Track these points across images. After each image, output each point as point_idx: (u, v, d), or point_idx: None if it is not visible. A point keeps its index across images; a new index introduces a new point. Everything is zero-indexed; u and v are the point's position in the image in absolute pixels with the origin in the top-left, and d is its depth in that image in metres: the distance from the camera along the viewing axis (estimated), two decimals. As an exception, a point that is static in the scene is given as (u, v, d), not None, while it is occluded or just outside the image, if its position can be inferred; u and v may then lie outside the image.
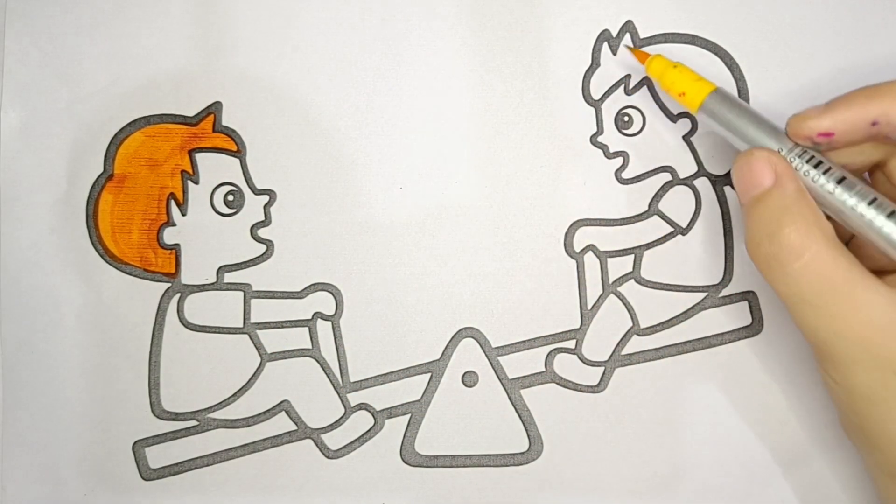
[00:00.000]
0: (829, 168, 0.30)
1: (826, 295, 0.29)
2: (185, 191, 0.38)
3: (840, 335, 0.29)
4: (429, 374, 0.38)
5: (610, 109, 0.38)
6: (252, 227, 0.38)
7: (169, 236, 0.38)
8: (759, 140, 0.32)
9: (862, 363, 0.29)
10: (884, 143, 0.31)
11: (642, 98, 0.38)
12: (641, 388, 0.37)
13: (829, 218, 0.31)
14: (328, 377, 0.38)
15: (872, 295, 0.28)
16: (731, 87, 0.38)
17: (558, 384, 0.38)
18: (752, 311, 0.37)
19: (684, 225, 0.38)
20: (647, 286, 0.38)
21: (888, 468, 0.30)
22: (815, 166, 0.30)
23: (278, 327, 0.38)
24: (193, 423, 0.37)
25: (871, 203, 0.29)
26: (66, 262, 0.38)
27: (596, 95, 0.38)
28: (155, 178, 0.38)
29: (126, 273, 0.38)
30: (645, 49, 0.38)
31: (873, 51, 0.37)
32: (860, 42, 0.38)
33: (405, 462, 0.37)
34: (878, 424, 0.30)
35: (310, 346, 0.38)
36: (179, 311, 0.38)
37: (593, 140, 0.38)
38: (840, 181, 0.30)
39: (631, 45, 0.38)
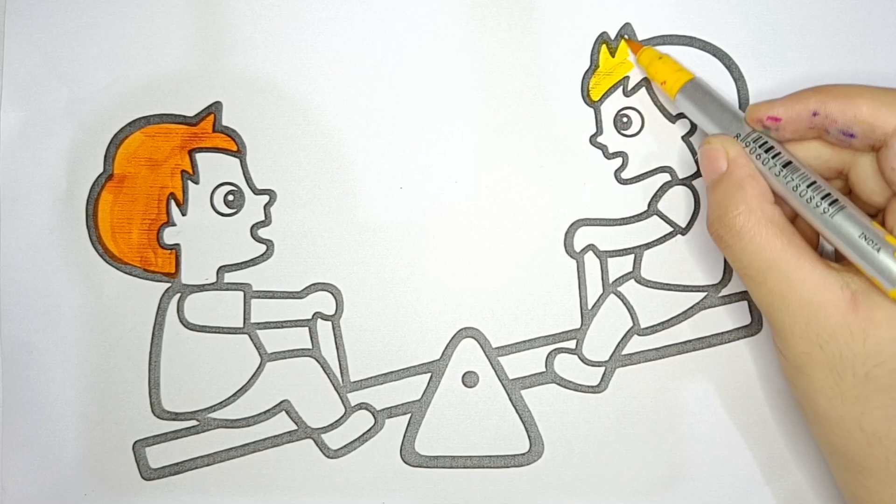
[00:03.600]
0: (779, 153, 0.32)
1: (764, 272, 0.31)
2: (185, 191, 0.38)
3: (778, 308, 0.31)
4: (429, 374, 0.38)
5: (609, 110, 0.38)
6: (252, 227, 0.38)
7: (169, 236, 0.38)
8: (724, 126, 0.34)
9: (795, 335, 0.31)
10: (830, 144, 0.33)
11: (641, 99, 0.38)
12: (642, 388, 0.37)
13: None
14: (328, 377, 0.38)
15: (806, 274, 0.30)
16: (730, 88, 0.38)
17: (559, 384, 0.38)
18: (751, 311, 0.37)
19: (684, 225, 0.38)
20: (647, 286, 0.38)
21: (821, 440, 0.32)
22: (766, 151, 0.32)
23: (278, 327, 0.38)
24: (193, 422, 0.37)
25: (809, 186, 0.31)
26: (65, 262, 0.38)
27: (595, 97, 0.38)
28: (155, 178, 0.38)
29: (126, 273, 0.38)
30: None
31: (873, 51, 0.38)
32: (859, 42, 0.38)
33: (405, 462, 0.37)
34: (806, 395, 0.32)
35: (310, 346, 0.38)
36: (179, 311, 0.37)
37: (593, 141, 0.38)
38: (786, 165, 0.32)
39: (623, 49, 0.38)
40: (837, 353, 0.30)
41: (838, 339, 0.30)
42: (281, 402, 0.37)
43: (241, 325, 0.38)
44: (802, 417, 0.34)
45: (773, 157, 0.32)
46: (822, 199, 0.31)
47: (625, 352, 0.38)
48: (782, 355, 0.32)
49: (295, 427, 0.37)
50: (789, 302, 0.31)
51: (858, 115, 0.30)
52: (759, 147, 0.33)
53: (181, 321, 0.37)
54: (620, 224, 0.38)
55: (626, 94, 0.38)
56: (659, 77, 0.37)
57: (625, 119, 0.38)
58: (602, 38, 0.38)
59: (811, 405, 0.32)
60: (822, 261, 0.31)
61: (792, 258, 0.31)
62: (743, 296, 0.37)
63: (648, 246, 0.38)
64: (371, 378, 0.38)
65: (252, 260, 0.38)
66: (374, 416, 0.37)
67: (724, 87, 0.38)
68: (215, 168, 0.38)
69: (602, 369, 0.38)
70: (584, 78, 0.38)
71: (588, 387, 0.38)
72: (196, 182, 0.38)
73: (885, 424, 0.30)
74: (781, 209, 0.32)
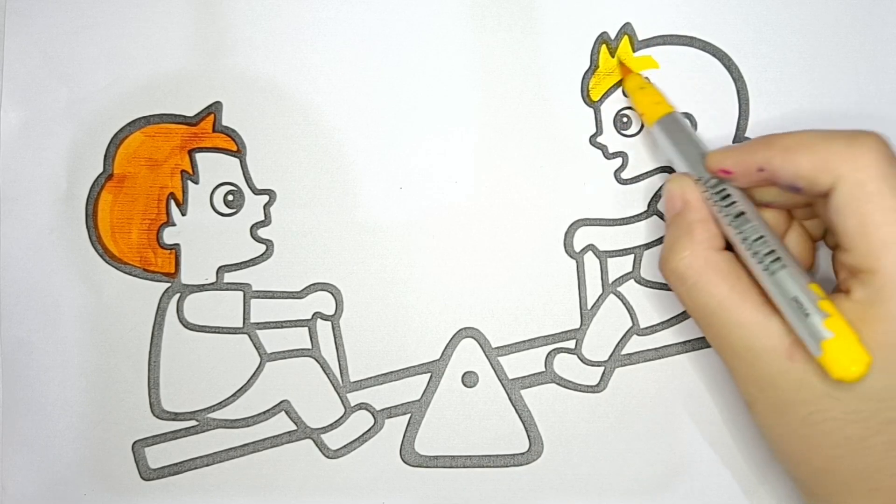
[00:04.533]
0: (734, 202, 0.32)
1: (708, 317, 0.32)
2: (184, 191, 0.38)
3: (722, 351, 0.32)
4: (429, 374, 0.38)
5: (609, 110, 0.38)
6: (252, 227, 0.38)
7: (169, 236, 0.38)
8: (691, 164, 0.34)
9: (740, 378, 0.32)
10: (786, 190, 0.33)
11: (641, 99, 0.38)
12: (641, 388, 0.37)
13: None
14: (328, 377, 0.38)
15: (746, 320, 0.31)
16: (730, 88, 0.38)
17: (558, 384, 0.38)
18: (751, 311, 0.37)
19: (684, 225, 0.38)
20: (646, 286, 0.38)
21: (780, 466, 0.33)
22: (723, 199, 0.33)
23: (278, 327, 0.38)
24: (193, 423, 0.37)
25: (756, 239, 0.31)
26: (65, 262, 0.38)
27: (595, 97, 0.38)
28: (155, 178, 0.38)
29: (126, 273, 0.38)
30: (646, 52, 0.38)
31: (872, 51, 0.38)
32: (859, 43, 0.38)
33: (405, 462, 0.37)
34: (759, 429, 0.33)
35: (310, 346, 0.38)
36: (179, 311, 0.38)
37: (592, 141, 0.38)
38: (738, 215, 0.32)
39: (622, 55, 0.38)
40: (778, 398, 0.31)
41: (777, 386, 0.31)
42: (281, 402, 0.37)
43: (241, 325, 0.38)
44: None
45: (728, 206, 0.32)
46: (766, 255, 0.31)
47: (624, 352, 0.38)
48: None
49: (295, 427, 0.37)
50: (732, 346, 0.31)
51: (799, 171, 0.30)
52: (716, 194, 0.33)
53: (181, 321, 0.37)
54: (620, 224, 0.38)
55: (626, 94, 0.38)
56: (639, 107, 0.37)
57: (625, 119, 0.38)
58: (602, 38, 0.38)
59: (764, 438, 0.33)
60: (765, 307, 0.31)
61: (734, 304, 0.31)
62: (743, 296, 0.37)
63: (648, 246, 0.38)
64: (371, 378, 0.38)
65: (252, 260, 0.38)
66: (373, 416, 0.37)
67: (725, 87, 0.38)
68: (215, 168, 0.38)
69: (601, 369, 0.38)
70: (584, 78, 0.38)
71: (587, 386, 0.38)
72: (196, 182, 0.38)
73: (829, 462, 0.30)
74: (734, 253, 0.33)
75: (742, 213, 0.32)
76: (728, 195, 0.33)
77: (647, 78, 0.37)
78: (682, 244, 0.33)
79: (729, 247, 0.33)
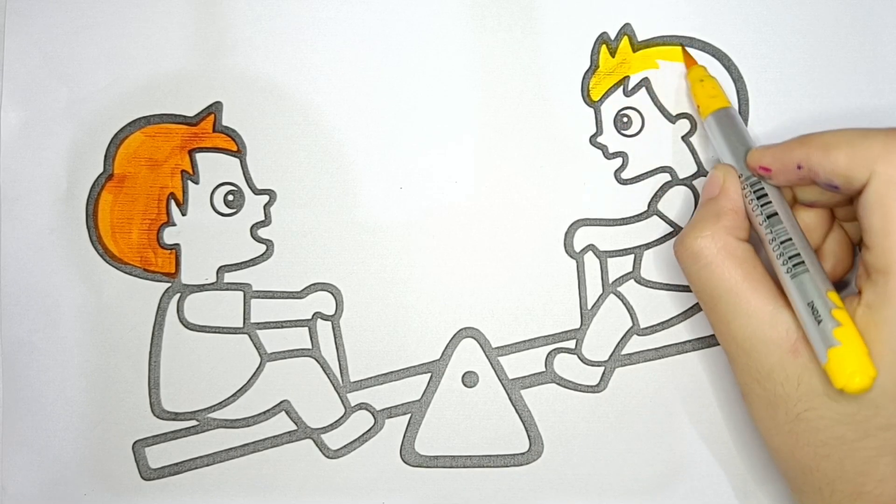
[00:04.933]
0: (768, 202, 0.33)
1: (715, 299, 0.32)
2: (185, 191, 0.38)
3: (723, 337, 0.32)
4: (429, 374, 0.38)
5: (609, 110, 0.38)
6: (252, 227, 0.38)
7: (169, 236, 0.38)
8: (736, 160, 0.34)
9: (737, 366, 0.32)
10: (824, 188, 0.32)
11: (641, 99, 0.38)
12: (641, 388, 0.37)
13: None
14: (328, 377, 0.38)
15: (755, 309, 0.31)
16: (730, 89, 0.38)
17: (558, 384, 0.38)
18: (751, 311, 0.37)
19: (684, 225, 0.38)
20: (647, 286, 0.38)
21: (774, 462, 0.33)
22: (759, 198, 0.33)
23: (278, 327, 0.38)
24: (193, 422, 0.37)
25: (783, 242, 0.32)
26: (65, 262, 0.38)
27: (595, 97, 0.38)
28: (155, 178, 0.38)
29: (126, 273, 0.38)
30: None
31: (872, 52, 0.38)
32: (859, 43, 0.38)
33: (405, 462, 0.37)
34: (752, 420, 0.33)
35: (310, 346, 0.38)
36: (179, 310, 0.38)
37: (593, 141, 0.38)
38: (770, 216, 0.32)
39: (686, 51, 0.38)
40: (772, 391, 0.31)
41: (774, 379, 0.31)
42: (281, 402, 0.37)
43: (241, 325, 0.38)
44: None
45: (762, 206, 0.33)
46: (790, 257, 0.31)
47: (624, 352, 0.38)
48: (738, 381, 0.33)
49: (295, 427, 0.37)
50: (734, 334, 0.32)
51: (836, 168, 0.30)
52: (754, 192, 0.33)
53: (181, 321, 0.38)
54: (620, 224, 0.38)
55: (627, 94, 0.38)
56: (697, 98, 0.37)
57: (625, 119, 0.38)
58: (602, 38, 0.38)
59: (756, 430, 0.33)
60: (777, 300, 0.31)
61: (744, 291, 0.31)
62: (743, 296, 0.37)
63: (648, 246, 0.38)
64: (371, 378, 0.38)
65: (252, 260, 0.38)
66: (373, 416, 0.37)
67: (724, 87, 0.38)
68: (215, 168, 0.38)
69: (601, 369, 0.38)
70: (584, 78, 0.38)
71: (587, 386, 0.38)
72: (196, 182, 0.38)
73: (816, 460, 0.30)
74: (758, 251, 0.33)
75: (775, 214, 0.32)
76: (764, 194, 0.33)
77: (708, 71, 0.37)
78: (705, 225, 0.33)
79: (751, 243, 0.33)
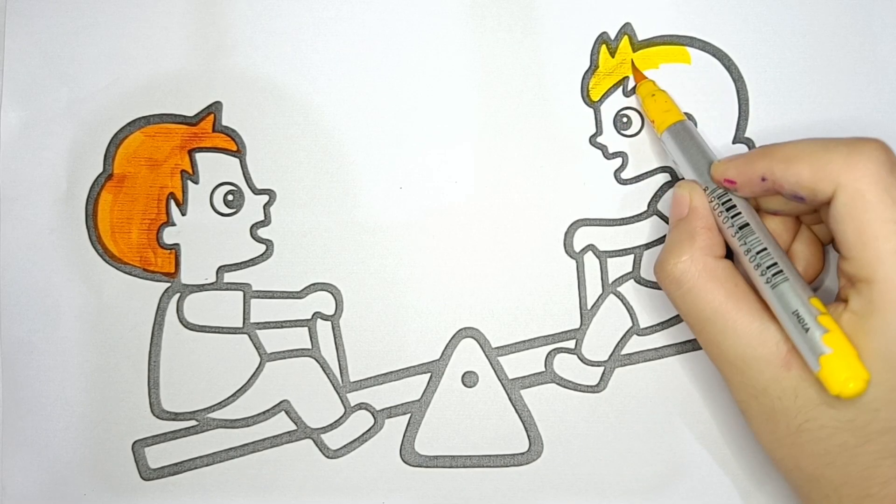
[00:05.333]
0: (738, 213, 0.32)
1: (702, 322, 0.32)
2: (184, 191, 0.38)
3: (715, 358, 0.32)
4: (429, 374, 0.38)
5: (609, 110, 0.38)
6: (252, 227, 0.38)
7: (169, 236, 0.38)
8: (699, 173, 0.34)
9: (733, 385, 0.32)
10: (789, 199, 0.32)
11: (641, 99, 0.38)
12: (641, 388, 0.37)
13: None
14: (328, 377, 0.38)
15: (742, 328, 0.31)
16: (730, 89, 0.38)
17: (558, 384, 0.38)
18: (751, 311, 0.37)
19: (684, 225, 0.38)
20: (646, 286, 0.38)
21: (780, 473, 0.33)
22: (728, 209, 0.33)
23: (278, 327, 0.38)
24: (193, 423, 0.37)
25: (759, 252, 0.31)
26: (65, 262, 0.38)
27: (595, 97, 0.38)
28: (155, 178, 0.38)
29: (126, 273, 0.38)
30: (645, 50, 0.38)
31: (872, 52, 0.38)
32: (859, 43, 0.38)
33: (405, 462, 0.37)
34: (754, 435, 0.33)
35: (310, 346, 0.38)
36: (179, 310, 0.38)
37: (592, 141, 0.38)
38: (742, 227, 0.32)
39: (634, 60, 0.38)
40: (770, 406, 0.31)
41: (770, 394, 0.31)
42: (280, 402, 0.37)
43: (241, 325, 0.38)
44: None
45: (732, 217, 0.32)
46: (768, 268, 0.31)
47: (624, 352, 0.38)
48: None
49: (294, 427, 0.37)
50: (725, 354, 0.32)
51: (800, 180, 0.30)
52: (722, 204, 0.33)
53: (181, 321, 0.38)
54: (620, 224, 0.38)
55: (626, 94, 0.38)
56: (650, 114, 0.37)
57: (625, 119, 0.38)
58: (602, 39, 0.38)
59: (758, 443, 0.33)
60: (762, 315, 0.31)
61: (729, 311, 0.31)
62: (742, 296, 0.37)
63: (648, 246, 0.38)
64: (371, 378, 0.38)
65: (252, 260, 0.38)
66: (373, 416, 0.37)
67: (724, 87, 0.38)
68: (215, 168, 0.38)
69: (601, 369, 0.38)
70: (584, 78, 0.38)
71: (587, 386, 0.38)
72: (196, 182, 0.38)
73: (820, 469, 0.30)
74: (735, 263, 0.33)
75: (746, 225, 0.32)
76: (733, 206, 0.33)
77: (657, 85, 0.37)
78: (681, 248, 0.33)
79: (729, 257, 0.33)
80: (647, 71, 0.38)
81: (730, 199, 0.33)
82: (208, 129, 0.38)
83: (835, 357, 0.29)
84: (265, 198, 0.38)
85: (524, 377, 0.38)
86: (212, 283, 0.38)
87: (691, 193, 0.34)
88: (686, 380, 0.37)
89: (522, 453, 0.37)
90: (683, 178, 0.35)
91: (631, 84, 0.38)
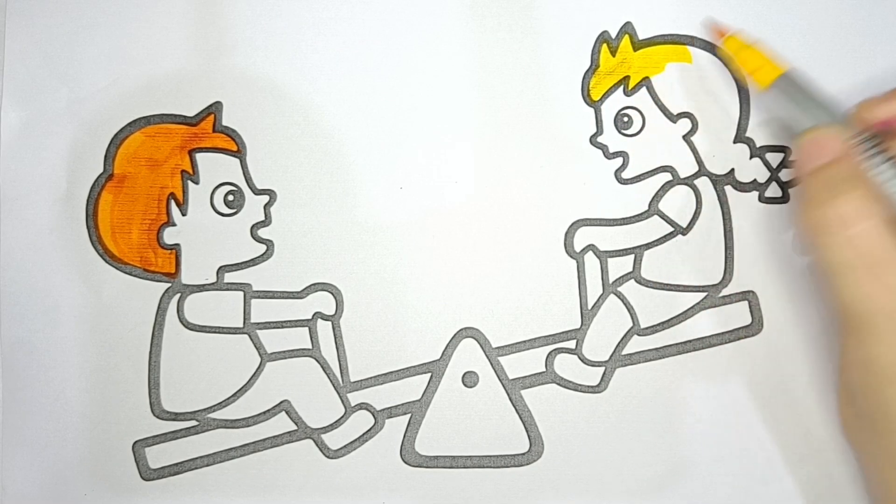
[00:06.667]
0: (892, 157, 0.31)
1: (868, 266, 0.29)
2: (185, 191, 0.38)
3: (872, 306, 0.30)
4: (429, 374, 0.38)
5: (609, 110, 0.38)
6: (252, 227, 0.38)
7: (169, 236, 0.38)
8: (826, 121, 0.33)
9: (888, 337, 0.30)
10: None
11: (642, 99, 0.38)
12: (642, 388, 0.37)
13: None
14: (328, 377, 0.38)
15: None
16: (731, 88, 0.38)
17: (559, 384, 0.38)
18: (751, 311, 0.37)
19: (684, 225, 0.38)
20: (647, 286, 0.38)
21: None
22: (878, 154, 0.31)
23: (278, 327, 0.38)
24: (193, 423, 0.37)
25: None
26: (65, 262, 0.38)
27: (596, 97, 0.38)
28: (155, 178, 0.38)
29: (126, 273, 0.38)
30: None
31: (874, 53, 0.38)
32: (859, 42, 0.38)
33: (405, 462, 0.37)
34: (892, 402, 0.30)
35: (310, 346, 0.38)
36: (179, 311, 0.37)
37: (593, 140, 0.38)
38: None
39: (718, 28, 0.37)
40: None
41: None
42: (281, 402, 0.37)
43: (241, 325, 0.38)
44: (856, 442, 0.33)
45: (885, 162, 0.31)
46: None
47: (625, 352, 0.38)
48: (859, 363, 0.31)
49: (295, 427, 0.37)
50: (886, 301, 0.29)
51: None
52: (870, 148, 0.31)
53: (181, 321, 0.38)
54: (620, 224, 0.38)
55: (627, 93, 0.38)
56: (748, 66, 0.36)
57: (625, 119, 0.38)
58: (602, 38, 0.38)
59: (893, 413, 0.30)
60: None
61: None
62: (743, 296, 0.37)
63: (649, 246, 0.38)
64: (371, 378, 0.38)
65: (252, 260, 0.38)
66: (374, 416, 0.37)
67: (725, 86, 0.38)
68: (215, 168, 0.38)
69: (602, 369, 0.38)
70: (584, 78, 0.38)
71: (588, 387, 0.38)
72: (196, 182, 0.38)
73: None
74: None
75: None
76: (883, 151, 0.31)
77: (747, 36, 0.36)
78: (846, 187, 0.30)
79: None
80: (654, 77, 0.38)
81: (878, 145, 0.31)
82: (208, 129, 0.38)
83: None
84: (265, 198, 0.38)
85: (525, 377, 0.38)
86: (212, 284, 0.38)
87: (832, 138, 0.32)
88: (686, 380, 0.37)
89: (523, 453, 0.37)
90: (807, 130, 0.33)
91: (632, 83, 0.38)
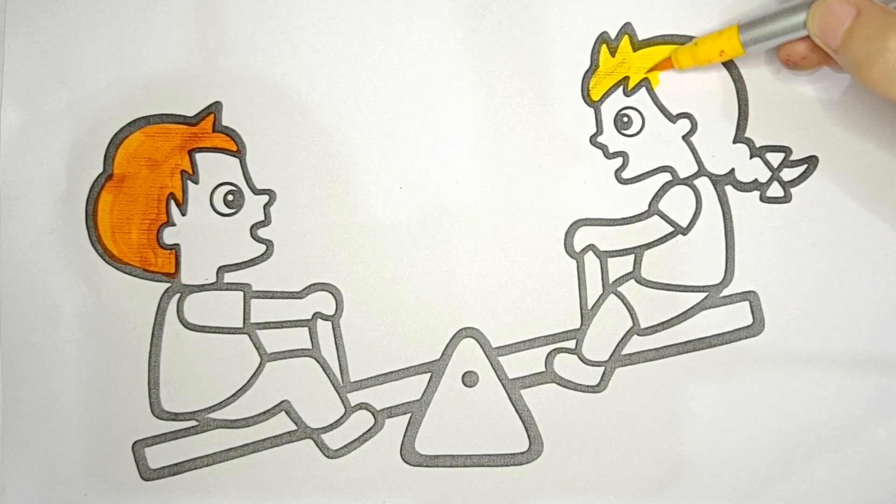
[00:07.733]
0: None
1: None
2: (184, 191, 0.38)
3: None
4: (429, 374, 0.38)
5: (609, 110, 0.38)
6: (252, 227, 0.38)
7: (169, 236, 0.38)
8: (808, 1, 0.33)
9: None
10: None
11: (641, 99, 0.38)
12: (641, 388, 0.37)
13: None
14: (328, 377, 0.38)
15: None
16: (730, 89, 0.38)
17: (558, 384, 0.38)
18: (752, 312, 0.37)
19: (685, 225, 0.38)
20: (647, 286, 0.38)
21: None
22: None
23: (278, 327, 0.38)
24: (193, 423, 0.37)
25: None
26: (65, 262, 0.38)
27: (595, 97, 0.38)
28: (155, 178, 0.38)
29: (126, 273, 0.38)
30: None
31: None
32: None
33: (405, 462, 0.37)
34: None
35: (310, 346, 0.38)
36: (179, 311, 0.38)
37: (593, 140, 0.38)
38: None
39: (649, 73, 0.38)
40: None
41: None
42: (281, 402, 0.37)
43: (241, 325, 0.38)
44: None
45: None
46: None
47: (624, 352, 0.38)
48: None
49: (295, 427, 0.37)
50: None
51: None
52: None
53: (181, 321, 0.38)
54: (621, 224, 0.38)
55: (627, 93, 0.38)
56: (714, 54, 0.36)
57: (625, 119, 0.38)
58: (602, 38, 0.38)
59: None
60: None
61: None
62: (744, 296, 0.37)
63: (649, 246, 0.38)
64: (371, 378, 0.38)
65: (252, 260, 0.38)
66: (374, 415, 0.37)
67: (724, 86, 0.38)
68: (215, 168, 0.38)
69: (602, 369, 0.38)
70: (584, 78, 0.38)
71: (588, 386, 0.38)
72: (196, 182, 0.38)
73: None
74: None
75: None
76: None
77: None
78: (891, 29, 0.30)
79: None
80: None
81: None
82: (208, 129, 0.38)
83: None
84: (265, 198, 0.38)
85: (524, 377, 0.38)
86: (212, 284, 0.38)
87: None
88: (686, 380, 0.37)
89: (522, 453, 0.37)
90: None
91: (632, 83, 0.38)
